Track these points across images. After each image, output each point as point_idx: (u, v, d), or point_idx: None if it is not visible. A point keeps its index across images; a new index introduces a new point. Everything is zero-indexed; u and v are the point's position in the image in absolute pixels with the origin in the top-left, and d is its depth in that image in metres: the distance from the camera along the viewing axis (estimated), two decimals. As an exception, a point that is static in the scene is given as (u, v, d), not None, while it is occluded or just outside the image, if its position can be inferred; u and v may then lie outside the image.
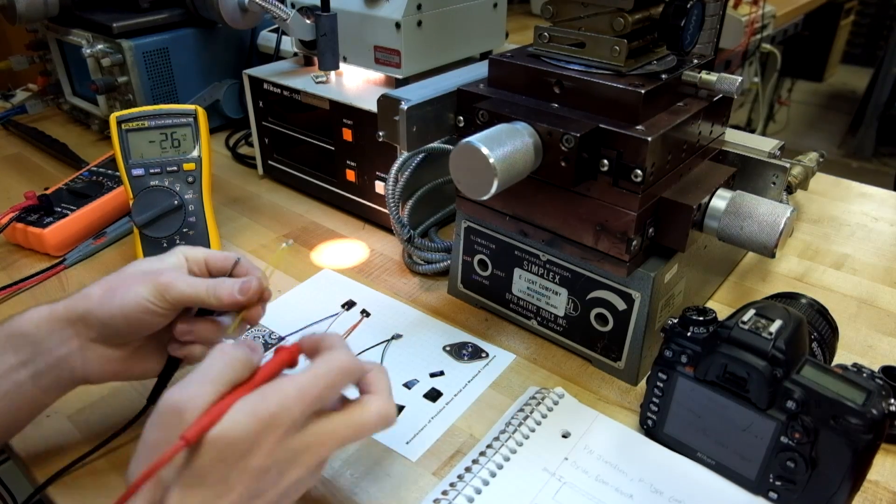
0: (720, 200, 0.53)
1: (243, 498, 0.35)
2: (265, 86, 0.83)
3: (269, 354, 0.40)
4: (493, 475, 0.47)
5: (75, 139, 1.01)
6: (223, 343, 0.40)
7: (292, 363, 0.40)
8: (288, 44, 0.93)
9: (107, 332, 0.44)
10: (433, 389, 0.56)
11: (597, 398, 0.56)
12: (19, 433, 0.46)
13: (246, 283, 0.46)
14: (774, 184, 0.64)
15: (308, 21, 0.78)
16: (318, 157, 0.82)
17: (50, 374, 0.44)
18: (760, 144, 0.65)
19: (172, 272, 0.45)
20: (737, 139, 0.65)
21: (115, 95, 0.95)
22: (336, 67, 0.78)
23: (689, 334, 0.46)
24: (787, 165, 0.63)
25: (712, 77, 0.53)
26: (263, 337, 0.62)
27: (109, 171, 0.82)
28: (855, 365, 0.43)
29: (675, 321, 0.47)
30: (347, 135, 0.76)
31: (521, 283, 0.61)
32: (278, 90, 0.82)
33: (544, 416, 0.52)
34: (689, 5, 0.50)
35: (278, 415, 0.35)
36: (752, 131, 2.13)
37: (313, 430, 0.37)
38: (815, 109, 3.59)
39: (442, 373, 0.58)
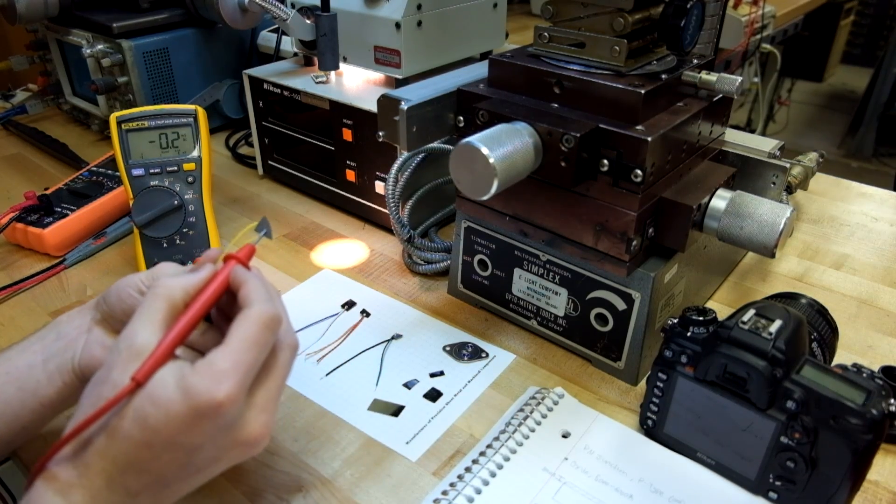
0: (720, 200, 0.53)
1: (171, 466, 0.35)
2: (265, 86, 0.83)
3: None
4: (493, 475, 0.47)
5: (75, 139, 1.01)
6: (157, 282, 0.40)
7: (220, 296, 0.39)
8: (288, 44, 0.93)
9: (111, 313, 0.43)
10: (433, 389, 0.56)
11: (597, 398, 0.56)
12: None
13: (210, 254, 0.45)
14: (774, 184, 0.64)
15: (308, 21, 0.78)
16: (318, 157, 0.82)
17: (56, 358, 0.43)
18: (760, 144, 0.65)
19: (170, 286, 0.44)
20: (737, 139, 0.65)
21: (115, 95, 0.95)
22: (336, 67, 0.78)
23: (689, 334, 0.46)
24: (787, 165, 0.63)
25: (712, 77, 0.53)
26: (263, 337, 0.62)
27: (109, 171, 0.82)
28: (855, 365, 0.43)
29: (675, 321, 0.47)
30: (347, 135, 0.76)
31: (521, 283, 0.61)
32: (278, 90, 0.82)
33: (544, 416, 0.52)
34: (689, 5, 0.50)
35: (217, 408, 0.34)
36: (752, 131, 2.13)
37: (251, 407, 0.37)
38: (814, 109, 3.59)
39: (442, 373, 0.58)
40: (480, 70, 0.59)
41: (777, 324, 0.43)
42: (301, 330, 0.63)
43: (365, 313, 0.65)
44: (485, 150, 0.44)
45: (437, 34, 0.77)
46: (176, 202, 0.69)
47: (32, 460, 0.49)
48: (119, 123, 0.70)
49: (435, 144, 0.69)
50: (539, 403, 0.53)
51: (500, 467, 0.48)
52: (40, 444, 0.50)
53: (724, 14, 0.69)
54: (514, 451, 0.49)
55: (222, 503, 0.46)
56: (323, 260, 0.74)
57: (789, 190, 0.75)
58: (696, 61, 0.56)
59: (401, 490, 0.47)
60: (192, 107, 0.72)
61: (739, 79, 0.52)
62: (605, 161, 0.49)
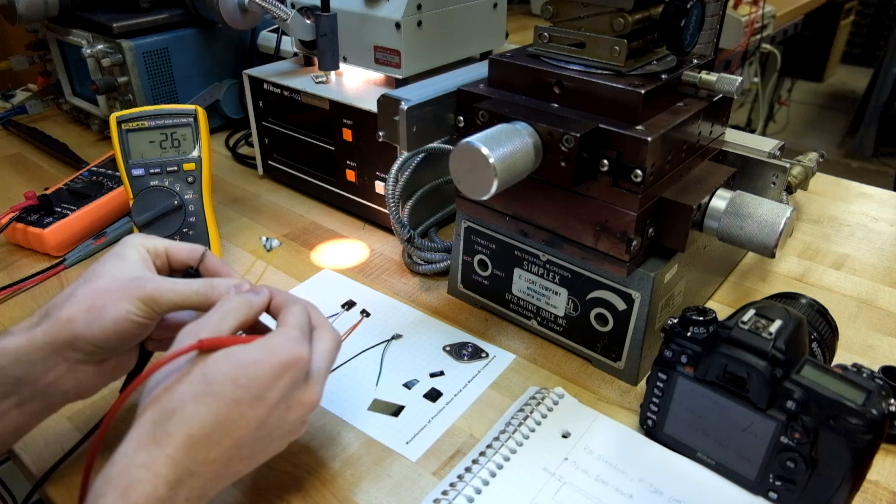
0: (720, 200, 0.53)
1: (251, 426, 0.38)
2: (265, 86, 0.83)
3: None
4: (493, 475, 0.47)
5: (75, 139, 1.01)
6: (231, 291, 0.44)
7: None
8: (288, 44, 0.93)
9: (97, 351, 0.42)
10: (433, 389, 0.56)
11: (597, 398, 0.56)
12: None
13: (241, 290, 0.44)
14: (774, 184, 0.64)
15: (308, 21, 0.78)
16: (318, 157, 0.82)
17: (37, 401, 0.42)
18: (760, 144, 0.65)
19: (153, 280, 0.43)
20: (737, 139, 0.65)
21: (115, 95, 0.95)
22: (336, 67, 0.78)
23: (689, 334, 0.46)
24: (787, 165, 0.63)
25: (712, 77, 0.53)
26: (263, 337, 0.62)
27: (109, 171, 0.82)
28: (855, 365, 0.43)
29: (675, 321, 0.47)
30: (347, 135, 0.76)
31: (521, 283, 0.61)
32: (278, 90, 0.82)
33: (544, 416, 0.52)
34: (689, 5, 0.50)
35: (296, 361, 0.39)
36: (752, 131, 2.13)
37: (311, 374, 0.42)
38: (815, 109, 3.59)
39: (442, 373, 0.58)
40: (480, 70, 0.59)
41: (777, 324, 0.43)
42: (301, 330, 0.63)
43: (365, 313, 0.65)
44: (485, 150, 0.44)
45: (437, 34, 0.77)
46: (176, 202, 0.69)
47: (33, 461, 0.49)
48: (119, 123, 0.70)
49: (435, 144, 0.69)
50: (539, 403, 0.53)
51: (500, 467, 0.48)
52: (43, 449, 0.50)
53: (724, 14, 0.69)
54: (514, 451, 0.49)
55: (222, 503, 0.46)
56: (323, 260, 0.74)
57: (789, 190, 0.75)
58: (696, 61, 0.56)
59: (401, 490, 0.47)
60: (192, 107, 0.72)
61: (739, 79, 0.52)
62: (605, 161, 0.49)
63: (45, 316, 0.42)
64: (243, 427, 0.37)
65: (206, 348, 0.38)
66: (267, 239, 0.53)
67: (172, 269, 0.47)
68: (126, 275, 0.43)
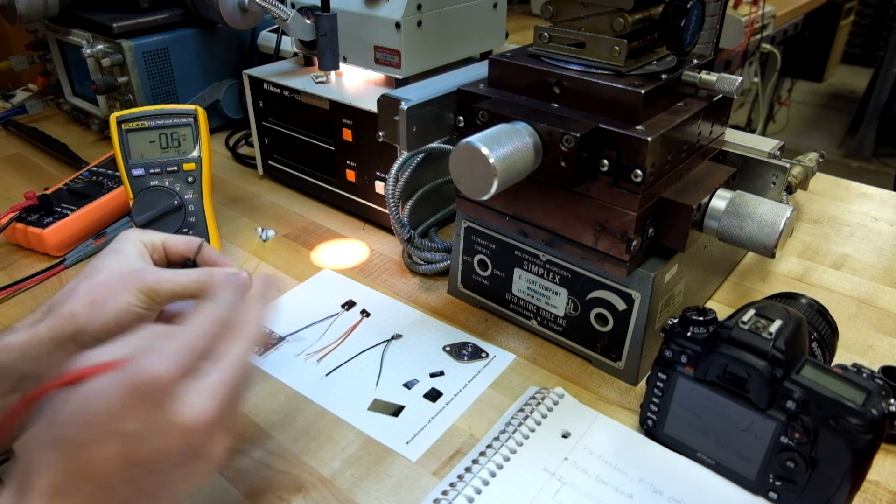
0: (720, 200, 0.53)
1: (114, 466, 0.32)
2: (265, 86, 0.83)
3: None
4: (493, 475, 0.47)
5: (75, 139, 1.01)
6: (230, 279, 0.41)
7: None
8: (288, 44, 0.93)
9: (100, 344, 0.41)
10: (433, 389, 0.56)
11: (597, 398, 0.56)
12: None
13: (238, 276, 0.44)
14: (774, 184, 0.64)
15: (308, 21, 0.78)
16: (318, 157, 0.82)
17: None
18: (760, 144, 0.65)
19: (152, 271, 0.44)
20: (737, 139, 0.65)
21: (115, 95, 0.95)
22: (336, 67, 0.78)
23: (689, 334, 0.46)
24: (787, 165, 0.63)
25: (712, 77, 0.53)
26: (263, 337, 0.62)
27: (109, 171, 0.82)
28: (855, 365, 0.43)
29: (675, 321, 0.47)
30: (347, 135, 0.76)
31: (521, 283, 0.61)
32: (278, 90, 0.82)
33: (544, 416, 0.52)
34: (689, 5, 0.50)
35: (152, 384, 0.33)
36: (752, 131, 2.13)
37: (192, 391, 0.34)
38: (815, 109, 3.59)
39: (442, 373, 0.58)
40: (480, 70, 0.59)
41: (777, 324, 0.43)
42: (301, 330, 0.63)
43: (365, 313, 0.65)
44: (485, 150, 0.44)
45: (437, 34, 0.77)
46: (176, 202, 0.69)
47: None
48: (119, 123, 0.70)
49: (435, 144, 0.69)
50: (539, 403, 0.53)
51: (500, 467, 0.48)
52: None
53: (724, 14, 0.69)
54: (514, 451, 0.49)
55: (223, 503, 0.46)
56: (323, 260, 0.74)
57: (789, 190, 0.75)
58: (696, 61, 0.56)
59: (401, 490, 0.47)
60: (192, 107, 0.72)
61: (739, 79, 0.52)
62: (605, 161, 0.49)
63: (47, 312, 0.42)
64: (104, 470, 0.32)
65: (78, 380, 0.33)
66: (263, 230, 0.53)
67: (170, 262, 0.48)
68: (125, 268, 0.43)
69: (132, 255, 0.45)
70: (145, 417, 0.33)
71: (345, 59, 0.80)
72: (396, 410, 0.54)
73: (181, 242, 0.47)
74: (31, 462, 0.32)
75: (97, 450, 0.32)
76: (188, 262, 0.47)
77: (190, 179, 0.70)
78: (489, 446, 0.50)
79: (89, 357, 0.34)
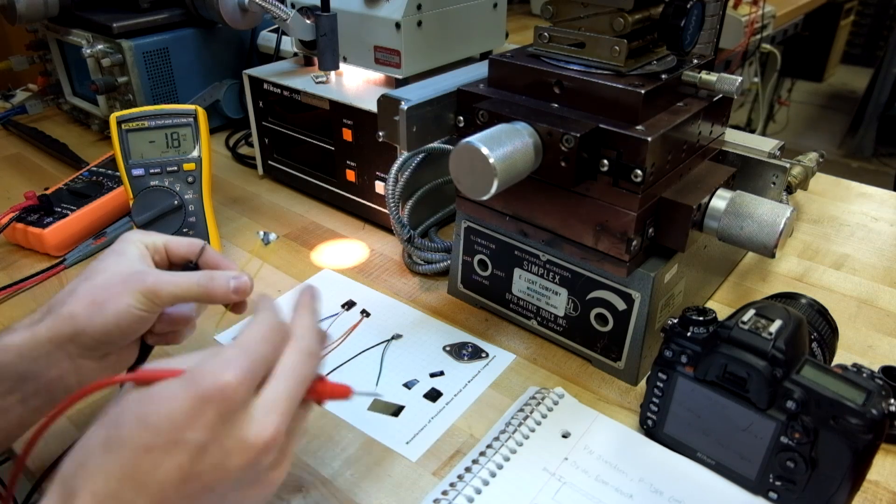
0: (720, 200, 0.53)
1: (172, 478, 0.31)
2: (265, 86, 0.83)
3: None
4: (493, 475, 0.47)
5: (75, 139, 1.01)
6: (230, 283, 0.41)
7: None
8: (288, 44, 0.93)
9: (99, 346, 0.42)
10: (433, 389, 0.56)
11: (597, 398, 0.56)
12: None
13: (240, 281, 0.45)
14: (774, 184, 0.64)
15: (308, 21, 0.78)
16: (318, 157, 0.82)
17: (41, 396, 0.41)
18: (760, 144, 0.65)
19: (153, 273, 0.43)
20: (737, 139, 0.65)
21: (115, 95, 0.95)
22: (336, 67, 0.78)
23: (689, 334, 0.46)
24: (787, 165, 0.63)
25: (712, 77, 0.53)
26: (263, 337, 0.62)
27: (109, 171, 0.82)
28: (855, 365, 0.43)
29: (675, 321, 0.47)
30: (347, 135, 0.76)
31: (521, 283, 0.61)
32: (278, 90, 0.82)
33: (544, 416, 0.52)
34: (689, 5, 0.50)
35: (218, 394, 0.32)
36: (752, 131, 2.13)
37: (256, 406, 0.34)
38: (815, 109, 3.59)
39: (442, 373, 0.58)
40: (480, 70, 0.59)
41: (777, 324, 0.43)
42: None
43: (365, 313, 0.65)
44: (485, 150, 0.44)
45: (437, 34, 0.77)
46: (176, 202, 0.69)
47: (34, 461, 0.49)
48: (119, 123, 0.70)
49: (435, 144, 0.69)
50: (539, 403, 0.53)
51: (500, 467, 0.48)
52: (43, 449, 0.50)
53: (724, 14, 0.69)
54: (514, 451, 0.49)
55: (222, 503, 0.46)
56: (323, 260, 0.74)
57: (789, 190, 0.75)
58: (696, 61, 0.56)
59: (401, 490, 0.47)
60: (192, 107, 0.72)
61: (739, 79, 0.52)
62: (605, 161, 0.49)
63: (47, 312, 0.42)
64: (161, 480, 0.30)
65: (143, 381, 0.32)
66: (264, 233, 0.53)
67: (172, 264, 0.48)
68: (126, 270, 0.43)
69: (133, 256, 0.44)
70: (211, 428, 0.31)
71: (345, 59, 0.80)
72: (396, 410, 0.54)
73: (183, 244, 0.47)
74: (82, 465, 0.31)
75: (158, 457, 0.30)
76: (190, 265, 0.47)
77: (190, 179, 0.70)
78: (489, 446, 0.50)
79: (159, 364, 0.34)
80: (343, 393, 0.39)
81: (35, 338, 0.41)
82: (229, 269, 0.47)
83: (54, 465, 0.47)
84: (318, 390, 0.38)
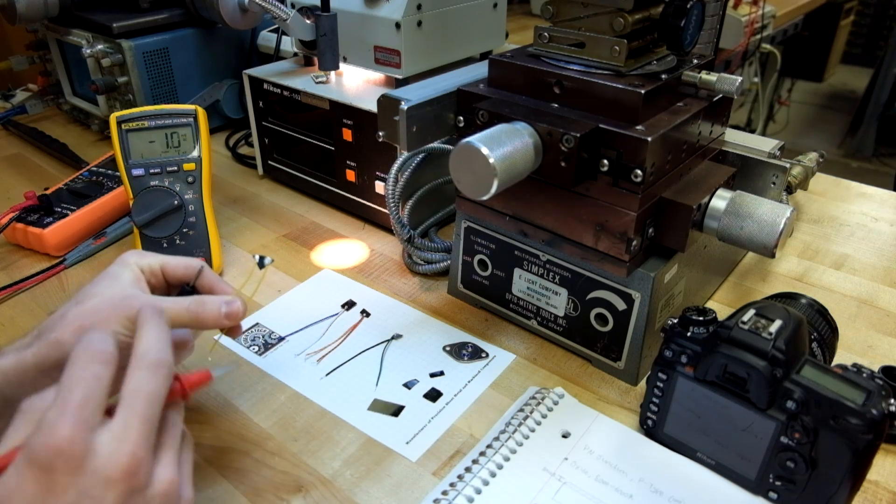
0: (720, 200, 0.53)
1: None
2: (265, 86, 0.83)
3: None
4: (493, 475, 0.47)
5: (75, 139, 1.01)
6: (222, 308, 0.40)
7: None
8: (288, 44, 0.93)
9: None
10: (433, 389, 0.56)
11: (597, 398, 0.56)
12: None
13: (232, 307, 0.44)
14: (774, 184, 0.64)
15: (308, 21, 0.78)
16: (318, 157, 0.82)
17: None
18: (760, 144, 0.65)
19: (143, 298, 0.42)
20: (737, 139, 0.65)
21: (115, 95, 0.95)
22: (336, 67, 0.78)
23: (689, 334, 0.46)
24: (787, 165, 0.63)
25: (712, 77, 0.53)
26: (263, 337, 0.62)
27: (109, 171, 0.82)
28: (855, 365, 0.43)
29: (675, 321, 0.47)
30: (347, 135, 0.76)
31: (521, 283, 0.61)
32: (278, 90, 0.82)
33: (544, 416, 0.52)
34: (689, 5, 0.50)
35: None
36: (752, 131, 2.13)
37: (102, 442, 0.32)
38: (815, 109, 3.59)
39: (442, 373, 0.58)
40: (480, 70, 0.59)
41: (777, 324, 0.43)
42: (301, 330, 0.63)
43: (365, 313, 0.65)
44: (485, 150, 0.44)
45: (437, 34, 0.77)
46: (176, 202, 0.69)
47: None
48: (119, 123, 0.70)
49: (435, 144, 0.69)
50: (539, 403, 0.53)
51: (500, 467, 0.48)
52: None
53: (724, 14, 0.69)
54: (514, 451, 0.49)
55: (223, 503, 0.46)
56: (323, 260, 0.74)
57: (789, 190, 0.75)
58: (696, 61, 0.56)
59: (401, 490, 0.47)
60: (192, 107, 0.72)
61: (739, 79, 0.52)
62: (605, 161, 0.49)
63: (37, 337, 0.41)
64: None
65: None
66: (260, 257, 0.52)
67: (170, 286, 0.47)
68: (117, 295, 0.42)
69: (126, 280, 0.43)
70: (68, 488, 0.31)
71: (345, 59, 0.80)
72: (396, 410, 0.54)
73: (180, 266, 0.46)
74: None
75: None
76: (186, 288, 0.46)
77: (190, 179, 0.70)
78: (489, 446, 0.50)
79: None
80: (203, 380, 0.39)
81: (21, 363, 0.40)
82: (224, 292, 0.46)
83: None
84: (176, 390, 0.38)
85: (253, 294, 0.66)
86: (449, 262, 0.68)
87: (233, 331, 0.47)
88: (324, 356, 0.60)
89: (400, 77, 0.76)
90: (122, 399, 0.34)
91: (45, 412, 0.32)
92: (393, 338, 0.62)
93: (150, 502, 0.34)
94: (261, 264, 0.52)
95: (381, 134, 0.56)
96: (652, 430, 0.51)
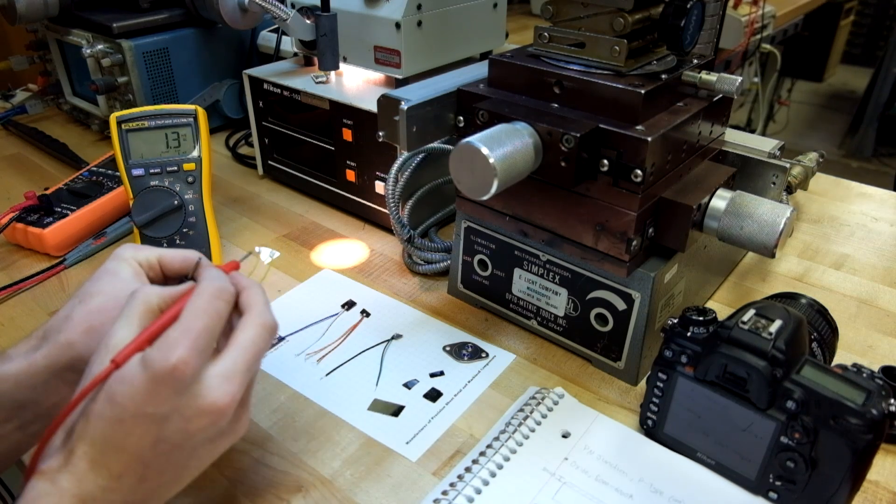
0: (720, 200, 0.53)
1: (144, 443, 0.35)
2: (265, 86, 0.83)
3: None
4: (493, 475, 0.47)
5: (75, 139, 1.01)
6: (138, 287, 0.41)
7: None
8: (288, 44, 0.93)
9: (80, 357, 0.41)
10: (433, 389, 0.56)
11: (597, 398, 0.56)
12: None
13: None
14: (774, 184, 0.64)
15: (308, 21, 0.78)
16: (318, 157, 0.82)
17: (39, 421, 0.42)
18: (760, 144, 0.65)
19: (148, 290, 0.42)
20: (737, 139, 0.65)
21: (115, 95, 0.95)
22: (336, 67, 0.78)
23: (689, 334, 0.46)
24: (787, 165, 0.63)
25: (712, 77, 0.53)
26: (263, 337, 0.62)
27: (109, 171, 0.82)
28: (855, 365, 0.43)
29: (675, 321, 0.47)
30: (347, 135, 0.76)
31: (521, 283, 0.61)
32: (278, 90, 0.82)
33: (544, 416, 0.52)
34: (689, 5, 0.50)
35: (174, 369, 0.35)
36: (752, 131, 2.13)
37: (212, 375, 0.37)
38: (815, 109, 3.59)
39: (442, 373, 0.58)
40: (480, 70, 0.59)
41: (777, 324, 0.43)
42: (301, 330, 0.63)
43: (365, 313, 0.65)
44: (485, 150, 0.44)
45: (437, 34, 0.77)
46: (176, 202, 0.69)
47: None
48: (119, 123, 0.70)
49: (435, 144, 0.69)
50: (539, 403, 0.53)
51: (500, 467, 0.48)
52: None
53: (724, 14, 0.69)
54: (514, 451, 0.49)
55: (222, 503, 0.46)
56: (323, 260, 0.74)
57: (789, 190, 0.75)
58: (696, 61, 0.56)
59: (401, 490, 0.47)
60: (192, 107, 0.72)
61: (739, 79, 0.52)
62: (605, 161, 0.49)
63: (43, 339, 0.41)
64: (134, 444, 0.35)
65: (122, 362, 0.36)
66: (265, 251, 0.52)
67: (167, 279, 0.46)
68: (120, 291, 0.42)
69: (127, 276, 0.43)
70: (167, 401, 0.35)
71: (345, 59, 0.80)
72: (396, 410, 0.54)
73: (177, 259, 0.46)
74: (72, 430, 0.35)
75: (129, 427, 0.35)
76: (185, 280, 0.46)
77: (190, 179, 0.70)
78: (489, 446, 0.50)
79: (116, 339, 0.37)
80: (233, 268, 0.44)
81: (33, 367, 0.41)
82: None
83: None
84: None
85: (262, 279, 0.66)
86: (449, 262, 0.68)
87: None
88: (324, 356, 0.60)
89: (400, 77, 0.76)
90: (236, 344, 0.38)
91: (168, 331, 0.36)
92: (393, 338, 0.62)
93: (224, 433, 0.39)
94: (266, 257, 0.52)
95: (381, 134, 0.56)
96: (652, 430, 0.51)
